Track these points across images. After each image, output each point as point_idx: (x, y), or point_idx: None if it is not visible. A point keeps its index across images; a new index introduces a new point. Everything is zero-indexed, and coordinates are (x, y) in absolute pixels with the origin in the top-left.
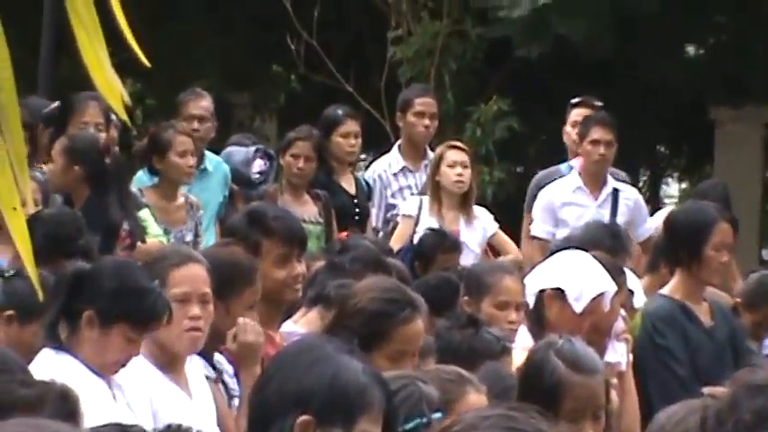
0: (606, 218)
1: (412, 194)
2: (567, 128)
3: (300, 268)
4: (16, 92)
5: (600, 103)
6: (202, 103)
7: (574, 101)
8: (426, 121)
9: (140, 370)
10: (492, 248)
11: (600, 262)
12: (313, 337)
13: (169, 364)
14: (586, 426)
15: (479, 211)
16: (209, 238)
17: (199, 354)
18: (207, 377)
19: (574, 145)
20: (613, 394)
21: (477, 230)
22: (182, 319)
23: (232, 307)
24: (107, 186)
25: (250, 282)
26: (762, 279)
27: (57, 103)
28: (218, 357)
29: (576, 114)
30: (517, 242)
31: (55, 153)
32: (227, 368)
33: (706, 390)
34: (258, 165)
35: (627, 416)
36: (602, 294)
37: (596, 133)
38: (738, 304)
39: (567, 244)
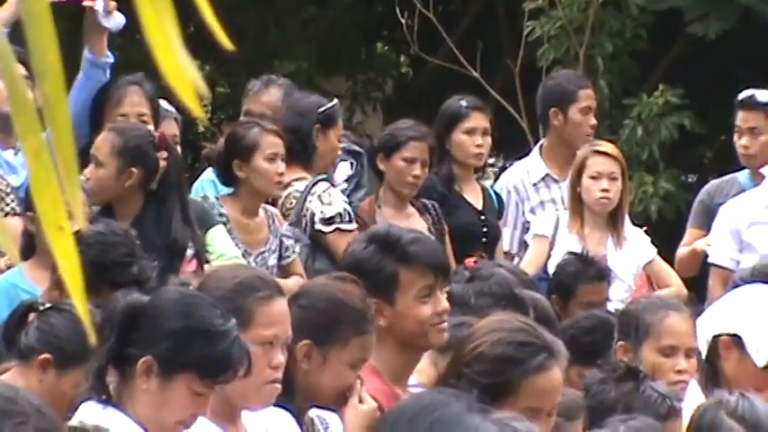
0: None
1: (556, 210)
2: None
3: (446, 303)
4: (65, 81)
5: (765, 98)
6: (264, 98)
7: (741, 97)
8: (592, 120)
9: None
10: (649, 280)
11: None
12: (435, 393)
13: (229, 416)
14: None
15: (633, 231)
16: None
17: (287, 409)
18: None
19: (743, 158)
20: None
21: (629, 256)
22: (264, 368)
23: (331, 357)
24: (168, 195)
25: (361, 330)
26: None
27: None
28: (316, 412)
29: (742, 119)
30: None
31: (102, 153)
32: (334, 424)
33: None
34: (343, 168)
35: None
36: None
37: None
38: None
39: (755, 276)
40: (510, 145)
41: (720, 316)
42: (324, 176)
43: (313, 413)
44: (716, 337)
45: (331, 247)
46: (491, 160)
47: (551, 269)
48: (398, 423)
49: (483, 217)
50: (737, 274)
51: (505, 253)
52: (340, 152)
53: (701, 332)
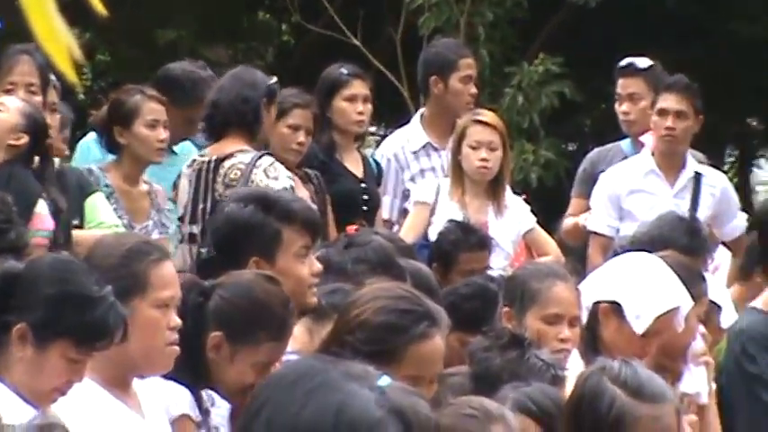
0: (684, 210)
1: (437, 178)
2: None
3: (319, 265)
4: None
5: (646, 64)
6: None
7: (621, 65)
8: (473, 89)
9: (80, 389)
10: (528, 248)
11: (673, 267)
12: (314, 360)
13: (119, 380)
14: None
15: (513, 200)
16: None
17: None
18: (189, 417)
19: (624, 124)
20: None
21: (509, 224)
22: (164, 330)
23: (239, 355)
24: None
25: (276, 337)
26: None
27: None
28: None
29: (622, 86)
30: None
31: None
32: (222, 406)
33: None
34: None
35: None
36: (672, 311)
37: (665, 101)
38: None
39: (634, 243)
40: (391, 113)
41: (600, 283)
42: (269, 151)
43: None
44: (596, 305)
45: None
46: (372, 129)
47: (432, 237)
48: (276, 390)
49: (364, 185)
50: (617, 241)
51: (385, 221)
52: None
53: (583, 300)
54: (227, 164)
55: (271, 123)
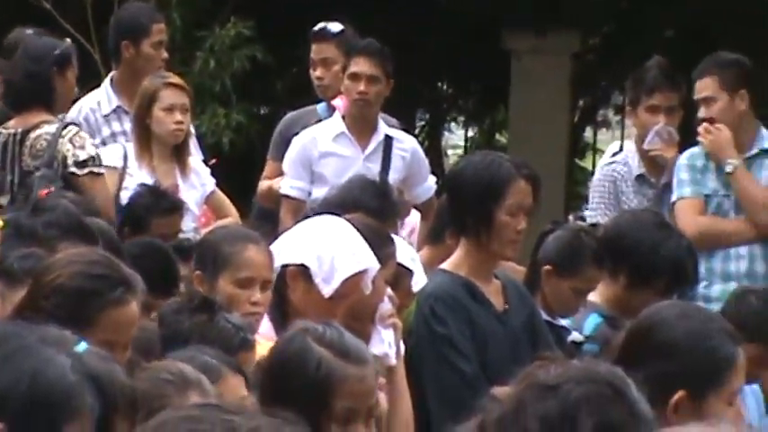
0: (375, 173)
1: (127, 141)
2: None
3: None
4: None
5: (338, 29)
6: None
7: (314, 29)
8: (164, 54)
9: None
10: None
11: (360, 229)
12: (7, 325)
13: None
14: (359, 430)
15: (195, 162)
16: None
17: None
18: None
19: (318, 89)
20: (381, 394)
21: (196, 187)
22: None
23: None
24: None
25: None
26: (576, 236)
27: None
28: None
29: (315, 51)
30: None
31: None
32: None
33: (495, 390)
34: None
35: (397, 421)
36: (360, 273)
37: (357, 65)
38: (548, 272)
39: (324, 206)
40: (82, 77)
41: (289, 246)
42: (73, 120)
43: None
44: (284, 268)
45: (83, 189)
46: None
47: (123, 201)
48: None
49: None
50: (309, 204)
51: None
52: None
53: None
54: (32, 135)
55: (70, 88)
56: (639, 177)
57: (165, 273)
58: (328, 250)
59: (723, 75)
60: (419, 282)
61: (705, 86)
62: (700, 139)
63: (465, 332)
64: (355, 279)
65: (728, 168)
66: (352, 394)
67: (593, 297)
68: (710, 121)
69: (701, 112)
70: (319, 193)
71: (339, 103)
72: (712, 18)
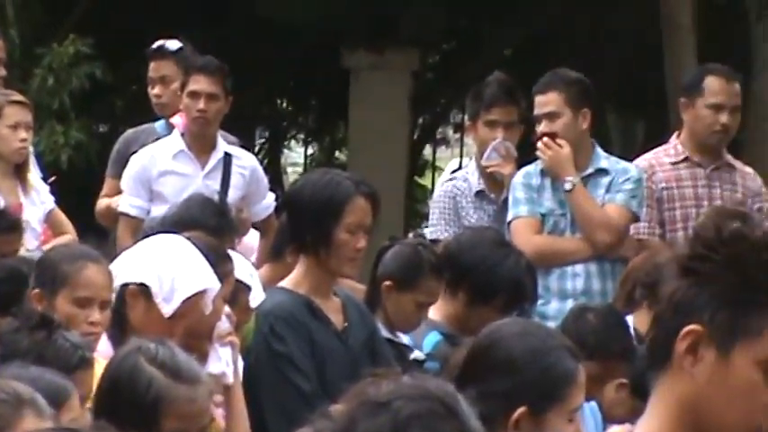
0: (215, 191)
1: None
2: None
3: None
4: None
5: (176, 47)
6: None
7: (152, 47)
8: (2, 71)
9: None
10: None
11: (200, 248)
12: None
13: None
14: None
15: (35, 179)
16: None
17: None
18: None
19: (156, 107)
20: (218, 412)
21: (37, 205)
22: None
23: None
24: None
25: None
26: (414, 250)
27: None
28: None
29: (154, 68)
30: None
31: None
32: None
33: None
34: None
35: None
36: (200, 293)
37: (196, 83)
38: (389, 287)
39: (163, 225)
40: None
41: (129, 265)
42: None
43: None
44: (123, 287)
45: None
46: None
47: None
48: None
49: None
50: (147, 223)
51: None
52: None
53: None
54: None
55: None
56: (479, 193)
57: (13, 291)
58: (169, 270)
59: (568, 91)
60: (257, 297)
61: (550, 101)
62: (539, 153)
63: (305, 350)
64: (195, 299)
65: (567, 186)
66: (182, 415)
67: (432, 315)
68: (552, 136)
69: (543, 127)
70: (159, 211)
71: (178, 120)
72: (550, 36)
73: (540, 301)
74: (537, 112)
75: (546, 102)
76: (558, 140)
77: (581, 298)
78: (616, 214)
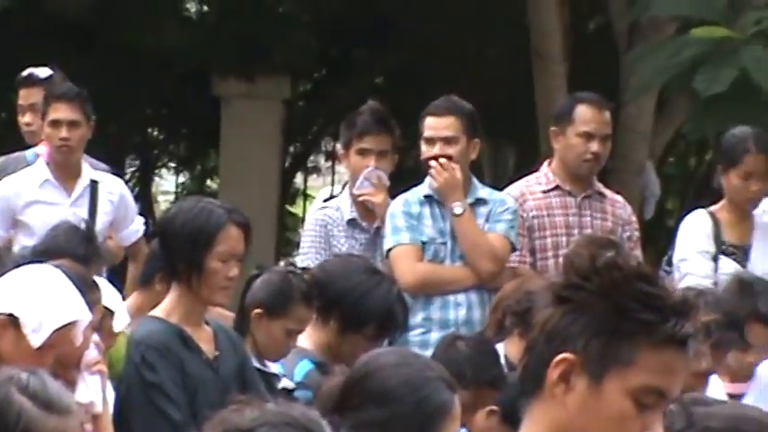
0: (82, 218)
1: None
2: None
3: None
4: None
5: (46, 74)
6: None
7: (22, 75)
8: None
9: None
10: None
11: (69, 276)
12: None
13: None
14: None
15: None
16: None
17: None
18: None
19: (26, 135)
20: None
21: None
22: None
23: None
24: None
25: None
26: (284, 277)
27: None
28: None
29: (23, 96)
30: None
31: None
32: None
33: None
34: None
35: None
36: (70, 324)
37: (56, 111)
38: (259, 315)
39: (33, 255)
40: None
41: None
42: None
43: None
44: None
45: None
46: None
47: None
48: None
49: None
50: (19, 252)
51: None
52: None
53: None
54: None
55: None
56: (351, 222)
57: None
58: (38, 300)
59: (464, 119)
60: (121, 321)
61: (449, 125)
62: (433, 173)
63: (176, 380)
64: (65, 330)
65: (458, 210)
66: None
67: (303, 343)
68: (449, 158)
69: (438, 149)
70: (28, 241)
71: (43, 149)
72: (422, 64)
73: (421, 330)
74: (432, 134)
75: (445, 125)
76: (452, 164)
77: (462, 328)
78: (498, 244)
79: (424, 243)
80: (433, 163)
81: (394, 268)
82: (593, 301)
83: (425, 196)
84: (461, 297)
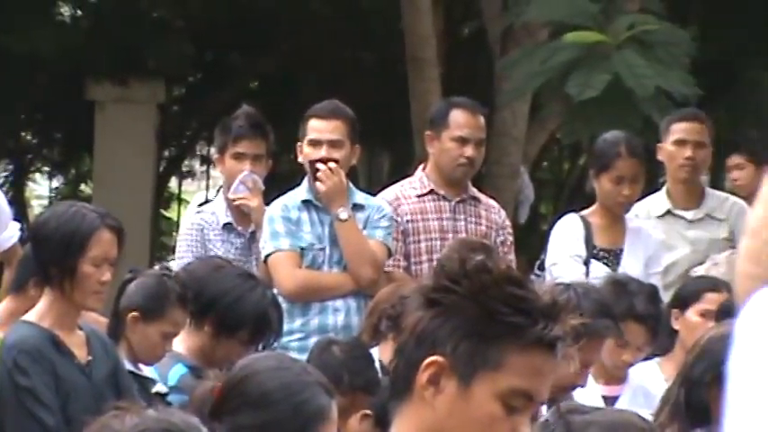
0: None
1: None
2: None
3: None
4: None
5: None
6: None
7: None
8: None
9: None
10: None
11: None
12: None
13: None
14: None
15: None
16: None
17: None
18: None
19: None
20: None
21: None
22: None
23: None
24: None
25: None
26: (159, 280)
27: None
28: None
29: None
30: None
31: None
32: None
33: None
34: None
35: None
36: None
37: None
38: (134, 318)
39: None
40: None
41: None
42: None
43: None
44: None
45: None
46: None
47: None
48: None
49: None
50: None
51: None
52: None
53: None
54: None
55: None
56: (227, 226)
57: None
58: None
59: (348, 123)
60: None
61: (336, 128)
62: (321, 176)
63: (49, 384)
64: None
65: (344, 215)
66: None
67: (177, 347)
68: (335, 162)
69: (324, 152)
70: None
71: None
72: (297, 68)
73: (299, 336)
74: (317, 136)
75: (331, 128)
76: (337, 169)
77: (341, 333)
78: (378, 250)
79: (302, 249)
80: (321, 166)
81: (273, 274)
82: (462, 305)
83: (303, 201)
84: (340, 303)
